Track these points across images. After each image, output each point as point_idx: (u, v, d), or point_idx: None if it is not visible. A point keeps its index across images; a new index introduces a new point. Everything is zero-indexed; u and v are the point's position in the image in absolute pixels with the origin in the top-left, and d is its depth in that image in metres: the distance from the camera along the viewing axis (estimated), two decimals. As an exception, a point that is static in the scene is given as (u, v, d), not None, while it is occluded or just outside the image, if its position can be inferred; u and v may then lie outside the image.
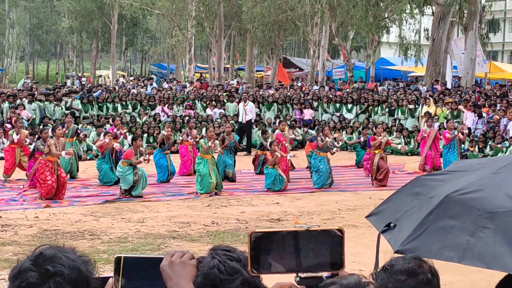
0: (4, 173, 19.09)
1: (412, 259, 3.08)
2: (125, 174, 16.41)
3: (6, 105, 26.38)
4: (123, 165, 16.55)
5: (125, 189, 16.45)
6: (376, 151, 18.81)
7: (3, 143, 23.12)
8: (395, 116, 28.30)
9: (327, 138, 18.42)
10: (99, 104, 28.88)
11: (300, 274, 2.42)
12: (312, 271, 2.43)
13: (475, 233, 3.85)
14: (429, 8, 40.64)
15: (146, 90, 36.05)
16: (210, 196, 16.75)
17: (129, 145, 19.20)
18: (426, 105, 27.47)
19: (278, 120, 26.28)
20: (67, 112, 25.49)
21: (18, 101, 26.43)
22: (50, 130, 18.10)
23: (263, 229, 2.44)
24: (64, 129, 18.90)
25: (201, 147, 17.82)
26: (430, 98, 28.17)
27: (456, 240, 3.89)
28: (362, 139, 23.06)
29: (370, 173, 19.05)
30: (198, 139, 19.54)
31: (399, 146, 22.01)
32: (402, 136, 25.83)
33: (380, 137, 18.94)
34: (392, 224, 4.36)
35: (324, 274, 2.48)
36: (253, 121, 26.45)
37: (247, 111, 26.45)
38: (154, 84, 41.19)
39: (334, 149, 18.93)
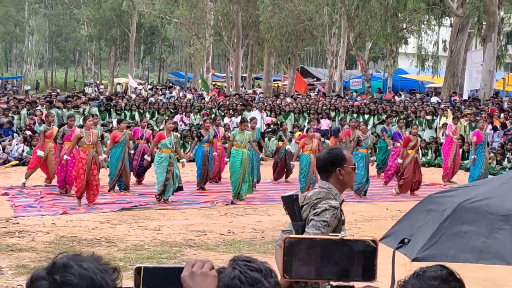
0: (27, 169, 19.09)
1: (443, 267, 3.16)
2: (159, 163, 16.44)
3: (24, 111, 26.57)
4: (160, 152, 16.59)
5: (158, 194, 16.52)
6: (410, 151, 18.82)
7: (23, 151, 23.26)
8: (413, 127, 28.22)
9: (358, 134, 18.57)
10: (117, 112, 29.03)
11: (331, 283, 2.43)
12: (343, 280, 2.44)
13: (491, 235, 3.88)
14: (447, 19, 40.62)
15: (164, 98, 36.25)
16: (227, 204, 16.76)
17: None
18: (444, 116, 27.41)
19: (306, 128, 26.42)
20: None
21: (37, 108, 26.61)
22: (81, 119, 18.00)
23: (298, 235, 2.44)
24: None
25: (231, 139, 17.79)
26: (448, 109, 28.11)
27: (472, 243, 3.92)
28: (387, 130, 23.03)
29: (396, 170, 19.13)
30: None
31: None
32: (419, 147, 25.72)
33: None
34: (406, 240, 4.37)
35: (356, 284, 2.49)
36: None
37: (265, 120, 26.56)
38: (174, 93, 41.35)
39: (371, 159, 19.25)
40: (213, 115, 25.43)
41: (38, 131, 20.17)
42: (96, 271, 2.25)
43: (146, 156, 17.26)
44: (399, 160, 19.16)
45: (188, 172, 20.36)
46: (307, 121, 28.89)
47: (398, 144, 19.83)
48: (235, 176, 17.21)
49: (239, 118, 26.45)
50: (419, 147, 25.22)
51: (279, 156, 20.97)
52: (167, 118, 20.50)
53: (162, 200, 16.61)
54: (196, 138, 20.06)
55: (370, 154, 19.59)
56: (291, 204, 5.02)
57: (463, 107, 30.35)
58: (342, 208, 5.14)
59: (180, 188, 17.05)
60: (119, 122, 19.11)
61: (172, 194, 16.81)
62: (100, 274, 2.26)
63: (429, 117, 28.10)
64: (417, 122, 28.21)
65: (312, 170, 17.77)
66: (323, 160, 5.24)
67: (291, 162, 19.50)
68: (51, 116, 19.82)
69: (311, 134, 18.09)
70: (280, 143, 21.08)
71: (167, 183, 16.48)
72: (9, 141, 24.15)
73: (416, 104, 32.27)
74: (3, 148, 23.69)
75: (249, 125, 19.07)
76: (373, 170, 22.65)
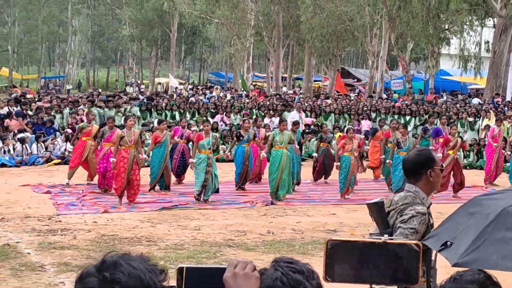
0: (69, 168, 19.30)
1: (480, 271, 3.13)
2: (198, 163, 16.52)
3: (67, 110, 26.88)
4: (199, 152, 16.67)
5: (197, 194, 16.57)
6: (450, 152, 18.72)
7: (65, 150, 23.55)
8: (454, 129, 27.96)
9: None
10: (158, 112, 29.22)
11: (374, 286, 2.43)
12: (386, 283, 2.43)
13: None
14: (490, 20, 40.16)
15: (205, 98, 36.41)
16: (266, 205, 16.78)
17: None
18: (486, 118, 27.12)
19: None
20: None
21: (80, 107, 26.92)
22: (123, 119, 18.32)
23: (341, 237, 2.45)
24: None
25: (270, 139, 17.77)
26: (491, 111, 27.80)
27: None
28: (428, 130, 22.95)
29: None
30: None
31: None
32: (461, 149, 25.46)
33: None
34: (448, 243, 4.33)
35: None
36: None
37: (304, 120, 26.51)
38: (214, 93, 41.51)
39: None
40: (254, 116, 25.44)
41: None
42: (144, 271, 2.28)
43: (191, 160, 17.30)
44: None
45: (228, 172, 20.43)
46: (347, 122, 28.76)
47: (441, 140, 19.77)
48: (273, 176, 17.21)
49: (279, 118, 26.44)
50: (461, 149, 25.18)
51: (318, 155, 20.97)
52: (204, 119, 20.64)
53: (202, 200, 16.67)
54: (235, 138, 20.11)
55: None
56: (377, 211, 4.90)
57: (506, 108, 30.01)
58: (430, 211, 5.02)
59: (216, 190, 17.10)
60: (159, 122, 19.27)
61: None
62: (148, 274, 2.28)
63: (471, 119, 27.80)
64: (458, 123, 27.98)
65: (351, 172, 17.74)
66: (413, 162, 5.05)
67: (336, 163, 19.39)
68: (91, 114, 20.08)
69: (351, 135, 18.06)
70: (322, 144, 21.04)
71: (206, 183, 16.54)
72: (51, 140, 24.47)
73: (458, 105, 31.95)
74: (46, 147, 24.02)
75: (289, 126, 19.10)
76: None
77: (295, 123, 20.16)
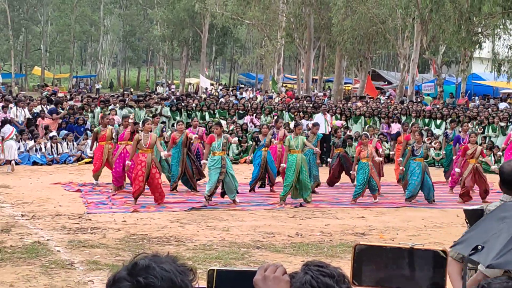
0: (93, 172, 19.45)
1: (509, 279, 3.10)
2: (212, 165, 16.53)
3: (98, 110, 27.05)
4: (213, 155, 16.67)
5: (208, 194, 16.57)
6: (470, 161, 18.53)
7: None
8: (486, 133, 27.72)
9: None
10: (188, 112, 29.31)
11: None
12: None
13: None
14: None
15: (235, 99, 36.46)
16: (295, 207, 16.77)
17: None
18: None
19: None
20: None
21: (110, 107, 27.06)
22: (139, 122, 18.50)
23: (368, 242, 2.46)
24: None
25: (286, 144, 17.73)
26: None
27: None
28: (449, 135, 22.81)
29: (459, 179, 18.90)
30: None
31: (492, 166, 21.19)
32: (492, 154, 25.26)
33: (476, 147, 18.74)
34: (479, 247, 4.31)
35: None
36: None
37: (329, 122, 26.45)
38: (244, 94, 41.55)
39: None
40: (275, 118, 25.26)
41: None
42: (176, 273, 2.29)
43: (203, 161, 17.46)
44: (457, 170, 18.93)
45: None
46: (367, 126, 28.61)
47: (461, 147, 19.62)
48: (288, 181, 17.16)
49: (310, 121, 26.37)
50: (493, 154, 24.93)
51: (332, 161, 20.88)
52: (216, 121, 20.68)
53: (211, 200, 16.68)
54: (254, 142, 20.18)
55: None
56: (476, 219, 4.83)
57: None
58: None
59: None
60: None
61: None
62: (180, 276, 2.30)
63: (503, 124, 27.54)
64: (489, 128, 27.72)
65: (370, 177, 17.66)
66: None
67: (351, 172, 19.42)
68: (106, 118, 20.13)
69: (365, 141, 17.98)
70: (336, 150, 20.95)
71: (218, 184, 16.57)
72: (83, 139, 24.68)
73: (490, 109, 31.68)
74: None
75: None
76: (441, 177, 22.29)
77: (315, 124, 20.18)
